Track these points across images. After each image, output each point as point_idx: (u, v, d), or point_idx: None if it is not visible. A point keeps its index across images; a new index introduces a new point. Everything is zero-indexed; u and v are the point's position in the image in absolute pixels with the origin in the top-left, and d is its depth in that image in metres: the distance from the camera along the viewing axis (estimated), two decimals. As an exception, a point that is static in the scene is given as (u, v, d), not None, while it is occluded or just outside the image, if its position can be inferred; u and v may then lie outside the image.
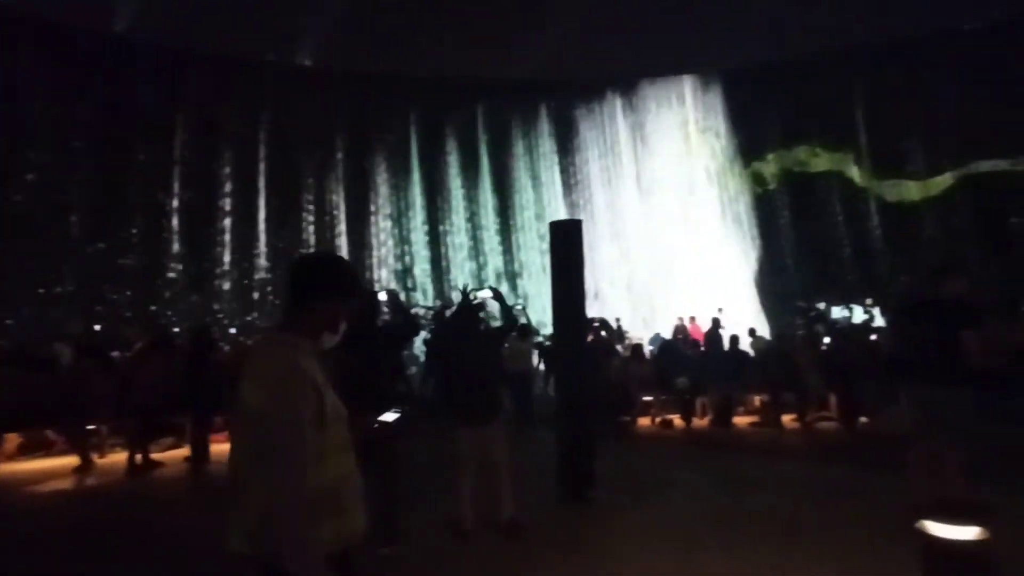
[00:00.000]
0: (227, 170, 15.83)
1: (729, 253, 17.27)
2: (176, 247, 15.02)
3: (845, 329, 11.99)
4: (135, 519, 5.51)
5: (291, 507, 1.54)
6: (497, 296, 4.81)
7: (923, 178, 16.43)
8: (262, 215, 16.07)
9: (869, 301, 14.05)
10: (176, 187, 15.27)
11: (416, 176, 17.74)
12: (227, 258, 15.50)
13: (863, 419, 9.00)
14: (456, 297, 16.74)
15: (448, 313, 13.37)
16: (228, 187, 15.82)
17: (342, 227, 16.82)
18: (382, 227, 17.19)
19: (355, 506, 1.75)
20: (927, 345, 4.60)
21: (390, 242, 17.17)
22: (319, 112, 16.78)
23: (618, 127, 18.55)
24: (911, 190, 16.53)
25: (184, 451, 7.74)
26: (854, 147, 17.12)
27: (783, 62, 17.12)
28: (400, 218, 17.49)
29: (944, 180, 16.18)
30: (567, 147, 18.61)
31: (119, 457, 7.72)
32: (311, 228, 16.57)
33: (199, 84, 15.46)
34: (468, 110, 18.20)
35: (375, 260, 16.88)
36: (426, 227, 17.57)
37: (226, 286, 15.35)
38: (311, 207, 16.68)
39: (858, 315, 13.87)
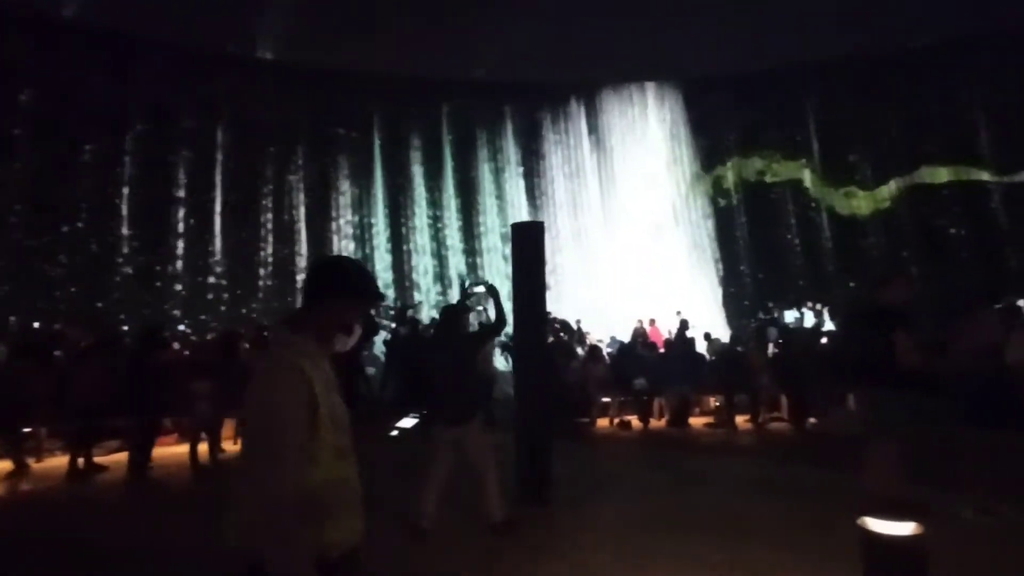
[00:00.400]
0: (181, 165, 15.30)
1: (693, 272, 17.38)
2: (126, 243, 14.44)
3: (795, 332, 12.36)
4: (70, 527, 5.27)
5: (274, 504, 1.53)
6: (491, 292, 4.87)
7: (870, 188, 17.14)
8: (218, 211, 15.55)
9: (819, 306, 14.52)
10: (126, 181, 14.67)
11: (379, 186, 17.19)
12: (180, 255, 14.95)
13: (812, 420, 9.32)
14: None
15: (410, 313, 13.27)
16: (182, 181, 15.27)
17: (302, 228, 16.34)
18: (343, 246, 16.64)
19: (348, 513, 1.72)
20: (869, 348, 4.86)
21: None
22: (279, 108, 16.37)
23: (583, 150, 18.29)
24: (860, 200, 17.23)
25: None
26: (808, 157, 17.71)
27: (743, 74, 17.58)
28: (363, 235, 17.00)
29: (889, 190, 16.93)
30: (532, 164, 18.32)
31: (58, 462, 7.39)
32: (269, 226, 16.09)
33: (152, 74, 14.90)
34: (432, 111, 17.98)
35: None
36: (389, 244, 17.12)
37: (178, 284, 14.82)
38: (269, 204, 16.23)
39: (809, 319, 14.31)
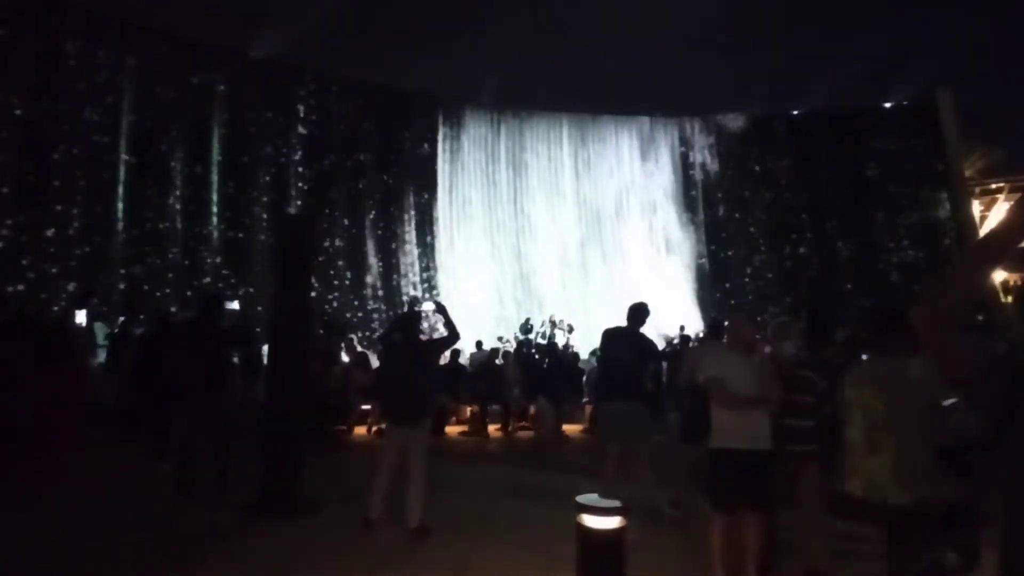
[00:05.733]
0: None
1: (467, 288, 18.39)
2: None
3: (545, 349, 13.53)
4: None
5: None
6: (440, 309, 5.43)
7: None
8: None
9: (568, 325, 16.16)
10: None
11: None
12: None
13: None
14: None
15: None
16: None
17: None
18: None
19: None
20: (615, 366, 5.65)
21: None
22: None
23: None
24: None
25: None
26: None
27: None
28: None
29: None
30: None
31: None
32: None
33: None
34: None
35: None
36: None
37: None
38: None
39: (560, 337, 15.80)
